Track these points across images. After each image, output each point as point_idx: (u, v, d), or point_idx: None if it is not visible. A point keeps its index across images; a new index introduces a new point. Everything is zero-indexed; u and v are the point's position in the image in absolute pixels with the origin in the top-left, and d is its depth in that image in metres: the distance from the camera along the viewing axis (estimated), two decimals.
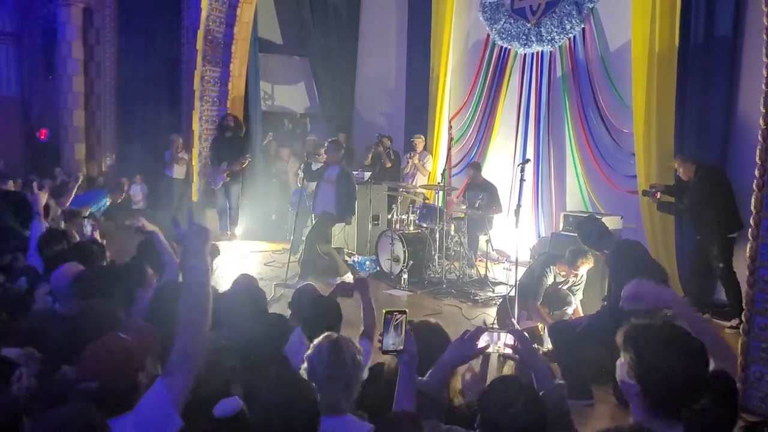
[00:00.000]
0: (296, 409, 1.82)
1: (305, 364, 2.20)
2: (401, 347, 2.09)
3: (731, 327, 5.68)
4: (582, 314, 5.12)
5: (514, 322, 4.82)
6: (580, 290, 5.19)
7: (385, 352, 2.11)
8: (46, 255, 3.72)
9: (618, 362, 1.78)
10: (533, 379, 2.12)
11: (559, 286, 5.10)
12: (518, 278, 5.23)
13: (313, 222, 7.68)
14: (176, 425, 1.79)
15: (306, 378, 2.16)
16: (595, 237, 4.57)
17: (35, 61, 12.72)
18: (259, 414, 1.80)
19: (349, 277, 6.92)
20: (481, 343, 2.15)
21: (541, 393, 1.99)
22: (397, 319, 2.08)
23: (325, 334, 2.27)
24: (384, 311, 2.12)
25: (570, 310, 5.13)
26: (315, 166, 7.75)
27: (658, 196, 6.24)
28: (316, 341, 2.25)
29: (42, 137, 12.48)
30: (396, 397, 2.07)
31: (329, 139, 7.94)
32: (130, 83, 11.53)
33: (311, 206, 7.75)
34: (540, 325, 5.02)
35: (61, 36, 11.60)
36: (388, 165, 9.66)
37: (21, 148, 12.81)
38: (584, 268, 4.95)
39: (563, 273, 5.03)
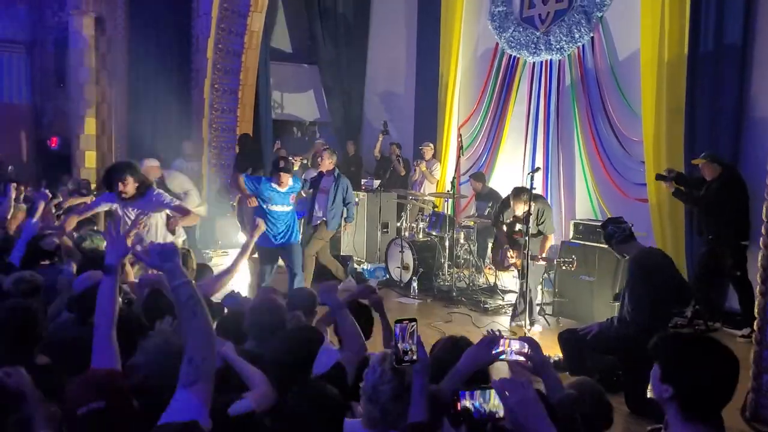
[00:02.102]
0: (324, 418, 1.83)
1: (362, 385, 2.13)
2: (415, 357, 2.02)
3: (743, 336, 5.66)
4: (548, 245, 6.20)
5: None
6: (535, 224, 5.90)
7: (399, 363, 2.03)
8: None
9: (653, 371, 1.82)
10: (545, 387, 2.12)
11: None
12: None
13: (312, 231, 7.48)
14: (208, 427, 1.81)
15: (365, 399, 2.11)
16: (617, 239, 4.57)
17: (47, 70, 12.85)
18: (287, 423, 1.81)
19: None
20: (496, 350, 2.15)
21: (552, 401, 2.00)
22: (409, 328, 2.02)
23: (380, 353, 2.19)
24: (394, 320, 2.07)
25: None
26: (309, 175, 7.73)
27: (673, 184, 6.15)
28: (372, 360, 2.17)
29: (53, 145, 12.58)
30: (410, 408, 2.02)
31: (323, 148, 7.87)
32: (141, 91, 11.60)
33: (309, 217, 7.45)
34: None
35: (73, 45, 11.71)
36: (402, 173, 9.69)
37: (32, 155, 12.93)
38: (520, 207, 5.80)
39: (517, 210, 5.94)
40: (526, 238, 5.63)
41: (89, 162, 12.03)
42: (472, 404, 1.79)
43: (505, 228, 6.33)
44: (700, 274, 6.19)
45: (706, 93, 6.43)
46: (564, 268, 5.87)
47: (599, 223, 6.09)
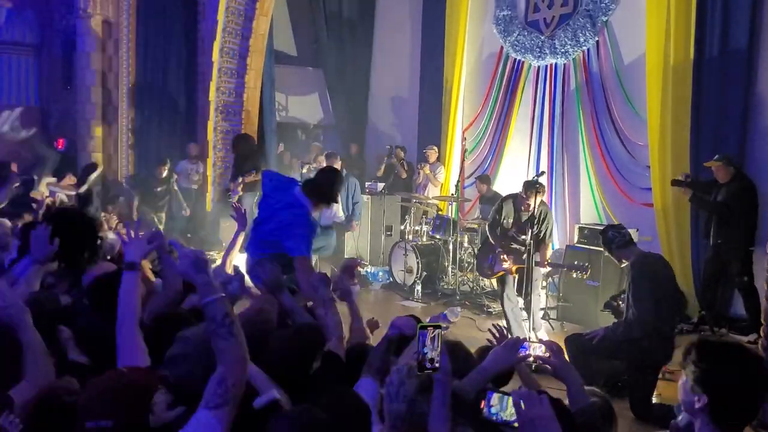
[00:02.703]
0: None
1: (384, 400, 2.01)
2: (437, 365, 1.93)
3: (749, 342, 5.61)
4: (549, 253, 5.99)
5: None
6: (541, 228, 5.68)
7: (421, 370, 1.93)
8: None
9: (680, 382, 1.79)
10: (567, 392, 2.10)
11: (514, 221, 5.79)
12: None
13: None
14: None
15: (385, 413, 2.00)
16: (617, 244, 4.56)
17: (54, 72, 12.89)
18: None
19: None
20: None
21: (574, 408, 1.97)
22: (432, 334, 1.93)
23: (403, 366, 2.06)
24: (419, 326, 1.98)
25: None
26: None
27: (690, 190, 6.07)
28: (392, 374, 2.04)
29: (60, 147, 12.62)
30: (431, 419, 1.91)
31: (325, 152, 7.93)
32: (147, 94, 11.65)
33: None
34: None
35: (80, 47, 11.75)
36: (404, 175, 9.68)
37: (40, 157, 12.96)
38: (533, 199, 5.56)
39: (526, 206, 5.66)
40: (529, 242, 5.54)
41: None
42: (492, 407, 1.78)
43: (498, 231, 6.04)
44: (707, 279, 6.16)
45: (711, 97, 6.40)
46: (575, 276, 5.78)
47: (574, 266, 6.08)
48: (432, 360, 1.92)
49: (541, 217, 5.77)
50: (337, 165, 7.33)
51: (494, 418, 1.78)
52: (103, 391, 1.84)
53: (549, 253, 6.08)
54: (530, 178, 6.20)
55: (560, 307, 6.57)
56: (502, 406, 1.77)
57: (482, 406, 1.78)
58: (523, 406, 1.66)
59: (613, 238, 4.59)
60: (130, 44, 11.86)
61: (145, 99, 11.76)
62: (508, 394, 1.77)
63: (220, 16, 9.80)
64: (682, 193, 6.17)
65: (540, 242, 5.80)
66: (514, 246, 5.79)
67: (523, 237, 5.64)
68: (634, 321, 4.29)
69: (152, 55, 11.61)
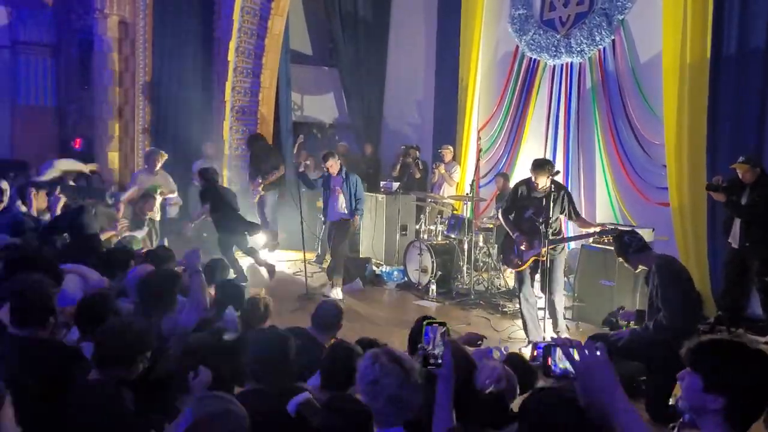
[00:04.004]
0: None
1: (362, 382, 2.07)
2: (440, 362, 1.99)
3: (767, 343, 5.58)
4: (562, 227, 5.94)
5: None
6: (550, 209, 5.53)
7: (425, 366, 2.00)
8: None
9: (685, 383, 1.74)
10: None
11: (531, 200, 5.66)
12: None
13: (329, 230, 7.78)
14: None
15: (368, 398, 2.07)
16: (634, 249, 4.54)
17: (72, 72, 13.03)
18: None
19: (337, 293, 7.18)
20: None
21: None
22: (438, 331, 1.99)
23: (369, 352, 2.15)
24: (425, 322, 2.06)
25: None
26: (312, 176, 8.13)
27: (724, 197, 5.96)
28: (365, 359, 2.12)
29: (77, 146, 12.76)
30: (435, 414, 1.96)
31: (323, 152, 8.00)
32: (163, 94, 11.74)
33: (325, 215, 7.92)
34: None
35: (97, 47, 11.87)
36: (418, 175, 9.70)
37: (57, 156, 13.11)
38: (543, 179, 5.51)
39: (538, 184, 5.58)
40: (547, 229, 5.46)
41: (112, 163, 12.19)
42: (557, 362, 1.77)
43: (512, 217, 5.89)
44: (730, 281, 6.11)
45: (729, 96, 6.36)
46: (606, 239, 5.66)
47: (621, 228, 6.06)
48: (436, 356, 1.98)
49: (559, 194, 5.68)
50: (335, 164, 7.42)
51: (557, 372, 1.76)
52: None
53: (581, 223, 6.02)
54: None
55: (575, 308, 6.56)
56: (563, 361, 1.75)
57: (548, 362, 1.76)
58: (576, 356, 1.63)
59: (630, 242, 4.57)
60: (146, 44, 11.96)
61: (162, 99, 11.85)
62: (557, 346, 1.75)
63: (236, 16, 9.87)
64: (716, 198, 6.09)
65: (576, 218, 5.81)
66: (536, 229, 5.61)
67: (544, 215, 5.52)
68: (665, 323, 4.23)
69: (168, 55, 11.70)
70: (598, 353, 1.64)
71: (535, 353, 1.87)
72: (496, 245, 7.78)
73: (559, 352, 1.75)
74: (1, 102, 12.86)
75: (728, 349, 1.73)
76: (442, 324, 2.04)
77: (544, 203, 5.54)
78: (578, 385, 1.66)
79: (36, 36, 13.00)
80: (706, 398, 1.66)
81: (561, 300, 5.83)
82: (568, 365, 1.72)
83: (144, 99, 12.10)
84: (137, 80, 12.11)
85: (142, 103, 12.14)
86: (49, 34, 13.21)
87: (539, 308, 5.85)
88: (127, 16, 11.96)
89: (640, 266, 4.59)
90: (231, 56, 10.01)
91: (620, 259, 4.81)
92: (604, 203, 7.94)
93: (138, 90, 12.17)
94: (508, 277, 7.65)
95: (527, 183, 5.79)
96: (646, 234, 6.36)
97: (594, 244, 6.56)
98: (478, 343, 3.25)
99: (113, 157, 12.33)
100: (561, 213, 5.75)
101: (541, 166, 5.65)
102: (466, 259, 7.55)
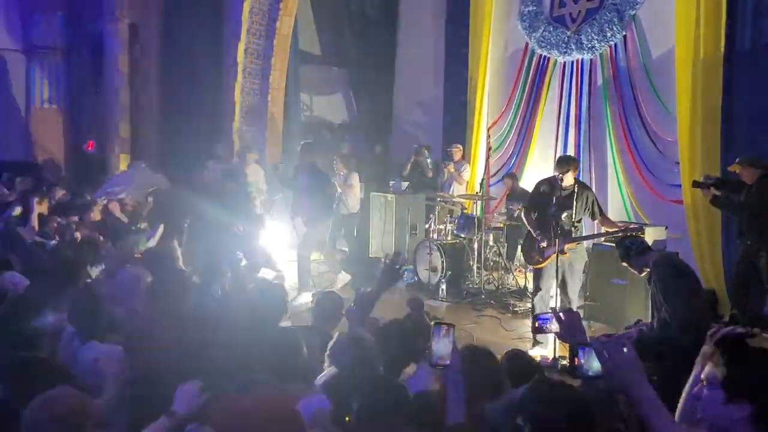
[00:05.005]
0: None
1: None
2: (448, 362, 2.04)
3: None
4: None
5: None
6: (574, 207, 5.47)
7: (433, 366, 2.08)
8: None
9: (704, 400, 1.73)
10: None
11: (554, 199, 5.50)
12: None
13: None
14: None
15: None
16: (635, 251, 4.51)
17: (83, 75, 13.13)
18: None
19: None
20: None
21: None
22: (445, 332, 2.04)
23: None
24: (432, 323, 2.10)
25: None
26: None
27: (712, 191, 5.87)
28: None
29: (89, 149, 12.86)
30: (448, 410, 2.04)
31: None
32: (174, 95, 11.81)
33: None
34: None
35: (108, 50, 11.96)
36: (430, 174, 9.65)
37: (69, 158, 13.23)
38: (569, 176, 5.42)
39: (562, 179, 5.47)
40: (571, 223, 5.41)
41: (123, 165, 12.27)
42: (584, 363, 1.77)
43: (534, 215, 5.78)
44: (738, 280, 6.02)
45: (743, 92, 6.25)
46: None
47: (634, 226, 5.98)
48: (443, 357, 2.02)
49: (583, 193, 5.60)
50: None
51: (586, 372, 1.77)
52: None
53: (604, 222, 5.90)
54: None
55: (587, 307, 6.47)
56: (589, 361, 1.75)
57: (575, 363, 1.77)
58: (606, 354, 1.65)
59: (631, 245, 4.53)
60: (156, 47, 12.03)
61: (173, 100, 11.92)
62: (591, 345, 1.76)
63: (244, 17, 9.89)
64: (704, 195, 6.02)
65: (600, 216, 5.72)
66: (562, 227, 5.51)
67: (568, 212, 5.44)
68: (669, 318, 4.20)
69: (178, 56, 11.76)
70: (625, 350, 1.66)
71: (537, 324, 1.90)
72: (506, 244, 7.72)
73: (589, 352, 1.76)
74: (15, 105, 12.97)
75: (748, 353, 1.72)
76: (450, 325, 2.07)
77: (567, 201, 5.48)
78: (607, 383, 1.70)
79: (48, 40, 13.11)
80: (733, 408, 1.62)
81: (575, 304, 5.76)
82: (595, 365, 1.73)
83: (155, 101, 12.17)
84: (148, 82, 12.18)
85: (153, 105, 12.21)
86: (61, 37, 13.30)
87: (550, 308, 5.78)
88: (137, 20, 12.05)
89: (645, 269, 4.53)
90: (240, 57, 10.04)
91: (624, 264, 4.75)
92: (616, 201, 7.85)
93: (149, 92, 12.24)
94: (519, 276, 7.58)
95: (550, 181, 5.72)
96: (659, 232, 6.29)
97: (605, 243, 6.48)
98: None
99: (124, 159, 12.42)
100: (585, 213, 5.68)
101: (566, 162, 5.58)
102: (476, 259, 7.49)
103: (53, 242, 5.69)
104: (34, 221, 6.09)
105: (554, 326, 1.90)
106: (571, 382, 2.41)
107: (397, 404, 2.05)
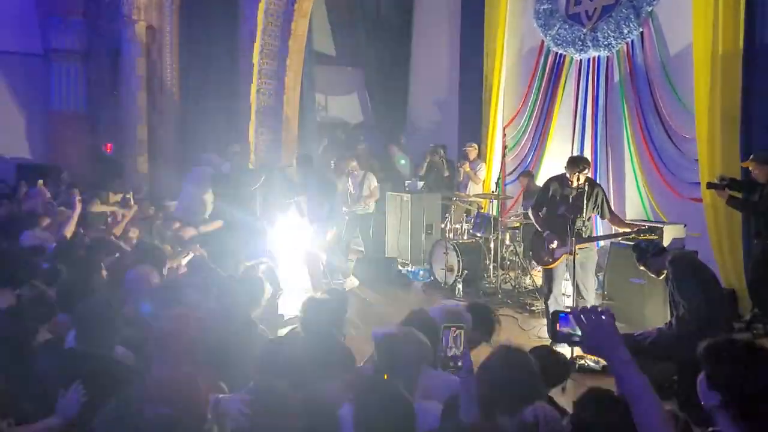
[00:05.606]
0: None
1: None
2: (460, 363, 2.05)
3: None
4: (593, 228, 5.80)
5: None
6: (584, 206, 5.41)
7: (444, 368, 2.09)
8: None
9: (699, 378, 1.82)
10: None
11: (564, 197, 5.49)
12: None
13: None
14: None
15: None
16: (652, 252, 4.48)
17: (102, 78, 13.25)
18: None
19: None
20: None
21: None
22: (455, 333, 2.04)
23: None
24: (443, 325, 2.09)
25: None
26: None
27: (727, 192, 5.80)
28: None
29: (108, 151, 12.98)
30: (461, 411, 2.06)
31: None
32: (191, 97, 11.89)
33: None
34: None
35: (125, 53, 12.07)
36: (446, 174, 9.63)
37: (88, 161, 13.37)
38: (579, 175, 5.37)
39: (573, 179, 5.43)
40: (582, 223, 5.38)
41: (141, 167, 12.38)
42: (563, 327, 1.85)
43: (543, 213, 5.76)
44: (757, 276, 5.94)
45: (762, 87, 6.15)
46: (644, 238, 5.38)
47: (651, 224, 5.92)
48: (454, 358, 2.03)
49: (593, 191, 5.54)
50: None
51: (566, 337, 1.85)
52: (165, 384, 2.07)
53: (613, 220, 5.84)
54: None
55: (605, 306, 6.42)
56: (569, 326, 1.84)
57: (557, 328, 1.85)
58: (584, 320, 1.75)
59: (647, 247, 4.50)
60: (173, 49, 12.12)
61: (190, 102, 12.00)
62: (571, 313, 1.85)
63: (259, 18, 9.93)
64: (719, 196, 5.94)
65: (610, 216, 5.66)
66: (568, 227, 5.46)
67: (578, 211, 5.40)
68: (687, 314, 4.17)
69: (195, 58, 11.84)
70: (603, 317, 1.75)
71: (558, 326, 1.89)
72: (522, 243, 7.68)
73: (569, 318, 1.84)
74: (35, 108, 13.15)
75: (731, 347, 1.81)
76: (460, 327, 2.07)
77: (577, 201, 5.43)
78: (584, 345, 1.79)
79: (67, 43, 13.25)
80: (708, 395, 1.75)
81: (591, 303, 5.70)
82: (572, 329, 1.82)
83: (172, 103, 12.27)
84: (165, 85, 12.28)
85: (171, 107, 12.31)
86: (80, 41, 13.45)
87: (565, 307, 5.75)
88: (154, 22, 12.15)
89: (662, 272, 4.49)
90: (255, 58, 10.09)
91: (642, 268, 4.70)
92: (634, 199, 7.77)
93: (166, 94, 12.34)
94: (536, 276, 7.54)
95: (560, 180, 5.67)
96: (678, 230, 6.22)
97: (623, 242, 6.41)
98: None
99: (142, 161, 12.53)
100: (594, 211, 5.62)
101: (576, 163, 5.54)
102: (492, 258, 7.46)
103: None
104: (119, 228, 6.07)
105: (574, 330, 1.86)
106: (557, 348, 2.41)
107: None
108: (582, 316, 1.76)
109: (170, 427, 1.88)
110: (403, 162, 8.92)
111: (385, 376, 2.15)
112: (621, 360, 1.72)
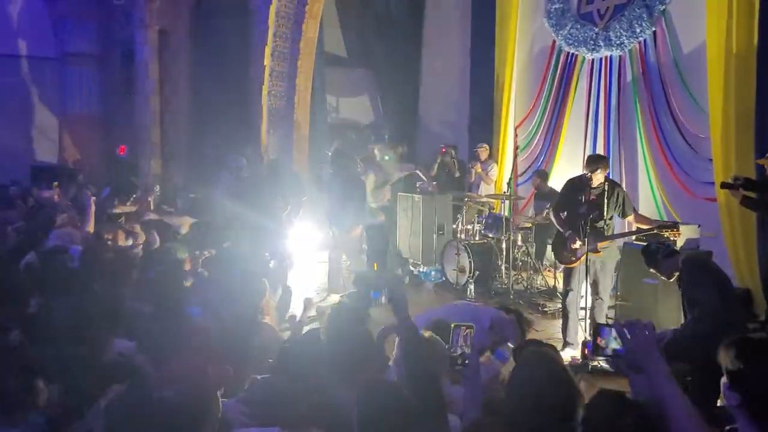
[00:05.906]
0: None
1: None
2: (467, 361, 2.09)
3: None
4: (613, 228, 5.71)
5: None
6: (605, 205, 5.40)
7: (452, 366, 2.13)
8: None
9: (722, 380, 1.82)
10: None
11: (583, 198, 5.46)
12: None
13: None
14: None
15: None
16: (663, 254, 4.44)
17: (116, 81, 13.40)
18: None
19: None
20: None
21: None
22: (465, 333, 2.07)
23: None
24: (452, 325, 2.12)
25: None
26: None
27: (741, 192, 5.76)
28: None
29: (122, 153, 13.11)
30: (465, 409, 2.08)
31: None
32: (203, 99, 11.97)
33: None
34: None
35: (138, 57, 12.18)
36: (457, 174, 9.61)
37: (103, 163, 13.51)
38: (599, 174, 5.35)
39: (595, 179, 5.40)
40: (603, 221, 5.35)
41: (155, 169, 12.49)
42: (603, 342, 1.85)
43: (564, 215, 5.73)
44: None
45: None
46: (667, 234, 5.27)
47: (668, 223, 5.85)
48: (463, 357, 2.08)
49: (614, 191, 5.52)
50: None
51: (606, 352, 1.85)
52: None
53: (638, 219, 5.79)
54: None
55: (618, 307, 6.38)
56: (609, 341, 1.84)
57: (598, 342, 1.85)
58: (628, 336, 1.75)
59: (657, 248, 4.46)
60: (186, 52, 12.22)
61: (202, 105, 12.08)
62: (612, 326, 1.85)
63: (271, 20, 9.99)
64: (733, 196, 5.87)
65: (632, 213, 5.63)
66: (593, 225, 5.43)
67: (598, 211, 5.38)
68: (702, 314, 4.13)
69: (208, 61, 11.92)
70: (647, 332, 1.77)
71: (597, 339, 1.86)
72: (534, 244, 7.66)
73: (612, 332, 1.85)
74: (51, 112, 13.31)
75: (750, 347, 1.82)
76: (469, 326, 2.12)
77: (598, 200, 5.41)
78: (625, 362, 1.80)
79: (82, 47, 13.42)
80: (730, 395, 1.76)
81: (606, 304, 5.68)
82: (615, 345, 1.82)
83: (185, 106, 12.36)
84: (178, 88, 12.38)
85: (184, 110, 12.40)
86: (94, 45, 13.61)
87: (580, 308, 5.73)
88: (167, 26, 12.25)
89: (674, 273, 4.45)
90: (266, 60, 10.15)
91: (652, 270, 4.67)
92: (647, 199, 7.71)
93: (179, 97, 12.43)
94: (548, 276, 7.51)
95: (580, 180, 5.65)
96: (692, 230, 6.16)
97: (637, 242, 6.37)
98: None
99: (155, 163, 12.63)
100: (616, 210, 5.60)
101: (596, 161, 5.51)
102: (504, 259, 7.45)
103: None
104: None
105: (613, 343, 1.80)
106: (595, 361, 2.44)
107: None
108: (626, 330, 1.78)
109: (180, 410, 1.92)
110: (387, 158, 8.89)
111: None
112: (662, 373, 1.74)
